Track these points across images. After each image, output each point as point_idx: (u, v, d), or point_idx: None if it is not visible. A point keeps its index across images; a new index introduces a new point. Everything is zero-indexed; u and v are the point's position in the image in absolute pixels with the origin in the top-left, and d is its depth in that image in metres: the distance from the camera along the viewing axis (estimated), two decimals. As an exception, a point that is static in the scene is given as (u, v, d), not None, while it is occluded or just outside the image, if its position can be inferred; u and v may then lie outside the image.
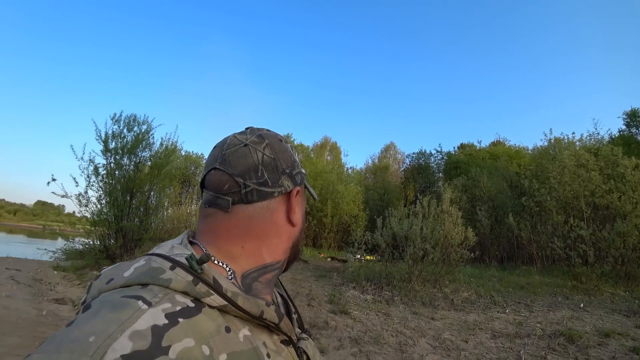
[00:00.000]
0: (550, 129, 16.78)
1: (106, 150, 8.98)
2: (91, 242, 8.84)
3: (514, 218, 12.79)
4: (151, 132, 9.56)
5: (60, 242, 11.24)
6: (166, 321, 0.36)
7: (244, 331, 0.44)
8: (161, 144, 9.88)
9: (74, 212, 9.56)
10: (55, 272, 7.85)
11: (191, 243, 0.52)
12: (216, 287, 0.42)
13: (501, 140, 28.27)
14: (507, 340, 4.44)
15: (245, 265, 0.51)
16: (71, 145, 8.55)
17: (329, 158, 30.25)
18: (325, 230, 21.27)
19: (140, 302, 0.37)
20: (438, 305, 6.19)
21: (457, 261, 7.71)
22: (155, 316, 0.36)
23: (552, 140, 16.17)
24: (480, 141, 27.51)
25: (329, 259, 14.57)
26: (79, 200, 8.74)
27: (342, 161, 29.72)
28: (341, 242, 21.01)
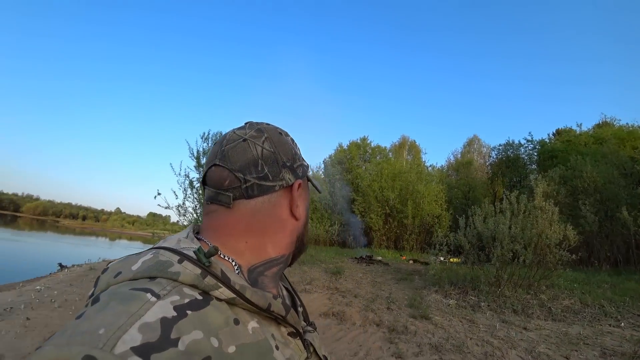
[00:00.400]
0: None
1: (198, 166, 10.11)
2: (190, 248, 9.99)
3: (629, 212, 10.88)
4: (235, 147, 10.46)
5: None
6: (175, 313, 0.36)
7: (253, 323, 0.45)
8: (245, 157, 10.75)
9: (177, 221, 10.92)
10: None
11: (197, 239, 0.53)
12: (224, 280, 0.43)
13: (608, 120, 24.23)
14: (621, 359, 3.83)
15: (251, 259, 0.52)
16: (170, 164, 9.81)
17: (408, 158, 29.33)
18: (407, 231, 20.69)
19: (149, 295, 0.37)
20: (532, 314, 5.58)
21: (555, 264, 6.86)
22: (164, 308, 0.36)
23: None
24: (581, 124, 23.80)
25: (410, 262, 14.16)
26: (179, 211, 9.97)
27: (422, 160, 28.58)
28: (423, 244, 20.21)
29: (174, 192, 10.18)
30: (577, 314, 5.63)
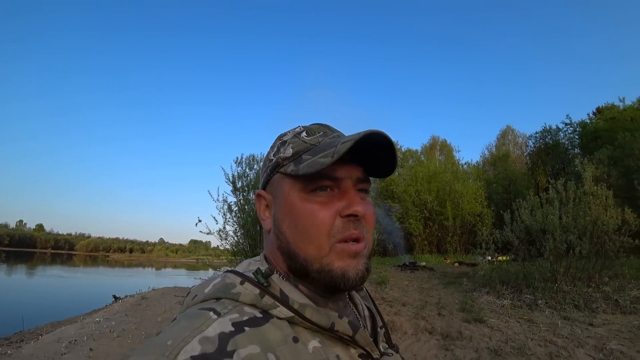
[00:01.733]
0: None
1: (235, 190, 10.44)
2: (234, 270, 10.25)
3: (695, 187, 9.98)
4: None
5: (211, 272, 13.35)
6: (232, 329, 0.40)
7: (314, 342, 0.44)
8: (278, 176, 11.01)
9: (217, 246, 11.29)
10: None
11: None
12: (282, 299, 0.45)
13: (655, 91, 22.47)
14: None
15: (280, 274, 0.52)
16: (208, 190, 10.21)
17: (441, 158, 28.61)
18: (449, 233, 20.10)
19: (211, 313, 0.41)
20: (597, 308, 5.20)
21: (616, 252, 6.38)
22: (223, 324, 0.40)
23: None
24: (624, 99, 22.11)
25: (456, 264, 13.69)
26: (220, 235, 10.30)
27: (455, 158, 27.76)
28: (467, 245, 19.48)
29: (214, 217, 10.57)
30: (648, 305, 5.19)
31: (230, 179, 10.46)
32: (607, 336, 4.07)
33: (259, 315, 0.43)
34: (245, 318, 0.42)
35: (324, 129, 0.54)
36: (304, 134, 0.53)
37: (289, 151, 0.51)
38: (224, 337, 0.38)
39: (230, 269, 0.52)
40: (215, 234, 10.29)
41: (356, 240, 0.48)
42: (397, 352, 0.56)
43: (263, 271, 0.48)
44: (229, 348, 0.38)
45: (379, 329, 0.58)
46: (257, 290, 0.45)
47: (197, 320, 0.40)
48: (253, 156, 10.87)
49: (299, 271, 0.49)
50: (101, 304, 10.26)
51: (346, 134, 0.53)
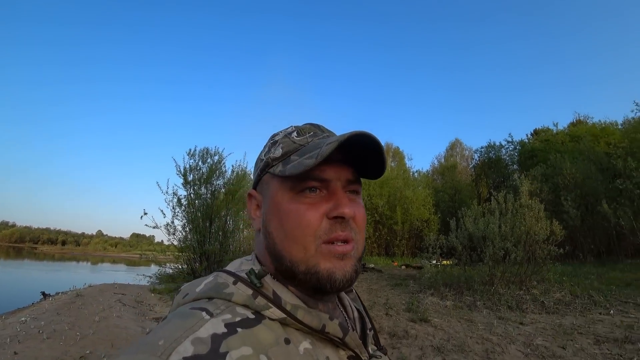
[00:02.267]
0: (643, 98, 14.43)
1: (186, 183, 10.00)
2: (179, 267, 9.80)
3: (609, 205, 11.32)
4: (223, 162, 10.42)
5: (153, 269, 12.65)
6: (225, 330, 0.39)
7: (305, 344, 0.44)
8: (232, 171, 10.73)
9: (162, 240, 10.75)
10: (153, 294, 8.88)
11: None
12: (275, 300, 0.44)
13: (582, 118, 25.29)
14: (614, 345, 3.97)
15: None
16: (157, 182, 9.68)
17: (392, 164, 29.67)
18: (397, 237, 20.84)
19: (203, 313, 0.41)
20: (527, 309, 5.72)
21: (544, 259, 7.07)
22: (215, 325, 0.39)
23: (648, 110, 13.98)
24: (557, 124, 24.74)
25: (403, 267, 14.24)
26: (167, 230, 9.81)
27: (407, 165, 28.93)
28: (414, 249, 20.38)
29: (162, 210, 10.05)
30: (568, 306, 5.82)
31: (182, 171, 10.01)
32: (534, 333, 4.49)
33: (252, 316, 0.43)
34: (237, 319, 0.41)
35: (315, 129, 0.54)
36: (294, 134, 0.52)
37: (278, 151, 0.51)
38: (216, 339, 0.38)
39: (224, 268, 0.51)
40: (162, 228, 9.79)
41: (344, 241, 0.48)
42: (385, 354, 0.57)
43: (257, 272, 0.47)
44: (222, 350, 0.37)
45: (368, 331, 0.58)
46: (250, 291, 0.45)
47: (190, 320, 0.40)
48: (207, 149, 10.47)
49: (286, 272, 0.49)
50: (27, 302, 9.28)
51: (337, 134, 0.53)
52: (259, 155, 0.56)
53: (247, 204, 0.56)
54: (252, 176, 0.56)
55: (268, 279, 0.48)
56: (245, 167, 11.18)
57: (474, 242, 7.77)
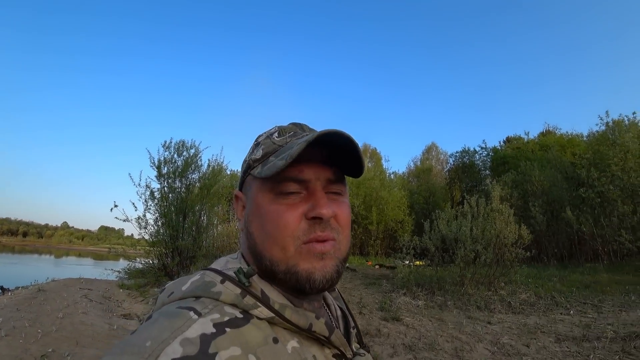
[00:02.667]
0: (607, 112, 15.16)
1: (160, 176, 9.70)
2: (150, 262, 9.51)
3: (572, 212, 11.94)
4: (199, 155, 10.18)
5: (122, 263, 12.20)
6: (214, 330, 0.38)
7: (293, 343, 0.44)
8: (208, 166, 10.50)
9: (132, 234, 10.39)
10: (121, 290, 8.56)
11: None
12: (263, 300, 0.44)
13: (551, 129, 26.50)
14: (573, 343, 4.17)
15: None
16: (129, 174, 9.34)
17: (370, 165, 30.02)
18: (372, 237, 21.09)
19: (191, 313, 0.40)
20: (494, 309, 5.93)
21: (512, 261, 7.35)
22: (204, 325, 0.38)
23: (610, 124, 14.76)
24: (528, 133, 25.93)
25: (376, 267, 14.42)
26: (139, 223, 9.49)
27: (384, 167, 29.35)
28: (388, 249, 20.70)
29: (133, 203, 9.71)
30: (533, 306, 6.09)
31: (156, 163, 9.71)
32: (501, 332, 4.66)
33: (240, 315, 0.42)
34: (226, 319, 0.41)
35: (296, 129, 0.54)
36: (275, 134, 0.53)
37: (259, 153, 0.51)
38: (205, 339, 0.37)
39: (209, 266, 0.50)
40: (133, 221, 9.47)
41: (323, 241, 0.48)
42: (368, 352, 0.57)
43: (245, 271, 0.47)
44: (211, 350, 0.37)
45: (351, 330, 0.59)
46: (238, 290, 0.44)
47: (177, 319, 0.39)
48: (183, 142, 10.20)
49: (267, 272, 0.49)
50: (-20, 297, 8.73)
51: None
52: (245, 157, 0.56)
53: (234, 205, 0.56)
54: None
55: (256, 278, 0.48)
56: (222, 162, 10.99)
57: (446, 243, 7.97)
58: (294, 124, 0.56)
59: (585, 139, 20.80)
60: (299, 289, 0.48)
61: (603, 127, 15.21)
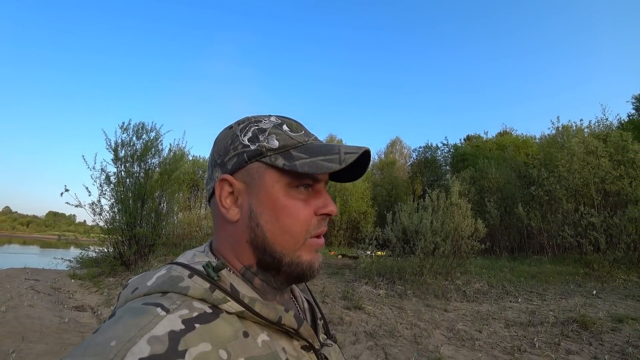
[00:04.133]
0: (558, 117, 16.33)
1: (116, 159, 9.16)
2: (105, 250, 9.02)
3: (523, 208, 12.72)
4: (160, 139, 9.73)
5: (74, 252, 11.46)
6: (183, 326, 0.37)
7: (263, 336, 0.44)
8: (170, 150, 10.06)
9: (84, 221, 9.78)
10: (73, 280, 8.05)
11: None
12: (233, 294, 0.43)
13: (508, 130, 28.01)
14: (520, 328, 4.48)
15: (237, 267, 0.51)
16: (83, 156, 8.76)
17: (335, 156, 30.20)
18: (335, 227, 21.33)
19: (159, 309, 0.38)
20: (451, 297, 6.23)
21: (467, 253, 7.73)
22: (172, 322, 0.37)
23: (560, 128, 15.91)
24: (487, 132, 27.32)
25: (339, 257, 14.62)
26: (93, 209, 8.94)
27: (348, 159, 29.62)
28: (351, 239, 21.06)
29: (87, 188, 9.11)
30: (485, 295, 6.48)
31: (113, 146, 9.15)
32: (456, 319, 4.91)
33: (209, 310, 0.42)
34: (195, 314, 0.40)
35: (303, 128, 0.54)
36: (285, 127, 0.51)
37: (274, 142, 0.49)
38: (174, 336, 0.36)
39: (175, 260, 0.49)
40: (87, 207, 8.90)
41: (320, 235, 0.52)
42: (335, 342, 0.58)
43: (214, 265, 0.46)
44: (181, 347, 0.35)
45: (318, 321, 0.60)
46: (207, 285, 0.43)
47: (144, 317, 0.37)
48: (143, 124, 9.66)
49: (271, 264, 0.50)
50: None
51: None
52: (236, 139, 0.51)
53: (217, 190, 0.50)
54: (219, 159, 0.52)
55: (225, 272, 0.47)
56: (184, 147, 10.58)
57: (407, 235, 8.22)
58: (295, 121, 0.55)
59: (537, 141, 22.28)
60: (300, 277, 0.51)
61: (554, 131, 16.36)
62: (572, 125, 15.52)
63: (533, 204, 13.57)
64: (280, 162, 0.48)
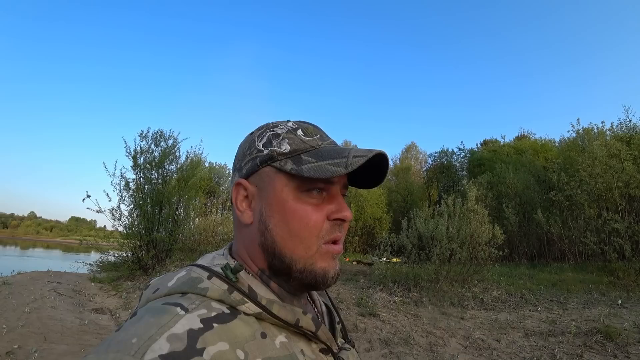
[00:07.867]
0: (578, 119, 15.94)
1: (135, 166, 9.41)
2: (124, 254, 9.24)
3: (543, 214, 12.41)
4: (177, 146, 9.95)
5: (94, 256, 11.78)
6: (201, 325, 0.38)
7: (281, 338, 0.45)
8: (187, 157, 10.27)
9: (104, 226, 10.05)
10: (93, 283, 8.28)
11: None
12: (251, 295, 0.44)
13: (526, 134, 27.43)
14: (540, 338, 4.35)
15: (254, 270, 0.52)
16: (103, 163, 9.03)
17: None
18: (350, 234, 21.26)
19: (178, 309, 0.39)
20: (467, 305, 6.11)
21: (485, 260, 7.57)
22: (191, 321, 0.38)
23: (581, 131, 15.48)
24: (504, 136, 26.85)
25: (354, 263, 14.55)
26: (113, 215, 9.19)
27: (363, 164, 29.49)
28: (366, 245, 20.94)
29: (107, 194, 9.37)
30: (504, 303, 6.31)
31: (132, 153, 9.41)
32: (473, 328, 4.81)
33: (227, 311, 0.43)
34: (213, 314, 0.41)
35: (319, 132, 0.54)
36: (300, 131, 0.51)
37: (285, 147, 0.49)
38: (193, 335, 0.37)
39: (195, 262, 0.50)
40: (107, 212, 9.16)
41: (337, 242, 0.50)
42: (353, 346, 0.59)
43: (232, 267, 0.46)
44: (199, 345, 0.37)
45: (336, 325, 0.60)
46: (226, 286, 0.44)
47: (164, 316, 0.38)
48: (161, 132, 9.91)
49: (282, 269, 0.49)
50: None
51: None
52: (251, 143, 0.53)
53: (233, 194, 0.52)
54: (238, 164, 0.55)
55: (243, 274, 0.48)
56: (201, 154, 10.78)
57: (423, 241, 8.12)
58: (312, 125, 0.55)
59: (557, 144, 21.72)
60: (313, 285, 0.50)
61: (574, 134, 15.92)
62: (593, 127, 15.08)
63: (553, 210, 13.21)
64: (289, 166, 0.48)
